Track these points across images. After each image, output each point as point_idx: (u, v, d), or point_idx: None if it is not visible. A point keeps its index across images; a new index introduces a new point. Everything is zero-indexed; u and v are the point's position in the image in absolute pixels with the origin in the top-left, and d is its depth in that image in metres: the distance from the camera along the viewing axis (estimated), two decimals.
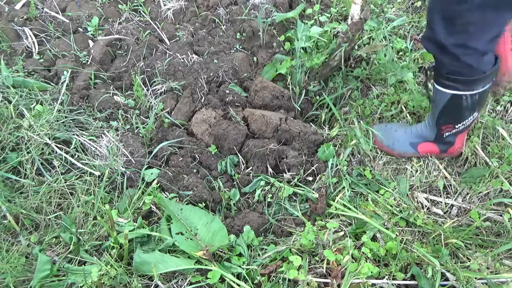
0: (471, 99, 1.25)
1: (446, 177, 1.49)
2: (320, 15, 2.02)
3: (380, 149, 1.56)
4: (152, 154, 1.58)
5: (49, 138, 1.49)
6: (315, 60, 1.76)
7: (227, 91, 1.80)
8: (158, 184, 1.49)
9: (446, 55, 1.16)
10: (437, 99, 1.31)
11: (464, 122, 1.34)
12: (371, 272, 1.15)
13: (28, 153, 1.45)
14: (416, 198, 1.43)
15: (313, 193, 1.46)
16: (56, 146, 1.49)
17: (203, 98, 1.81)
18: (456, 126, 1.36)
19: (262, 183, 1.52)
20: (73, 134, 1.55)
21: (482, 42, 1.10)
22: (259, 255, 1.31)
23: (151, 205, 1.42)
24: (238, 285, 1.17)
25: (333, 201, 1.42)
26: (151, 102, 1.77)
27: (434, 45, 1.17)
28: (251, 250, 1.33)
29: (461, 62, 1.15)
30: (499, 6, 1.01)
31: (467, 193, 1.44)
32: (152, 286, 1.21)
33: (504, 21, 1.09)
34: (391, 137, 1.53)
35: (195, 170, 1.57)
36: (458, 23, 1.07)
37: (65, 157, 1.49)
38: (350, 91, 1.77)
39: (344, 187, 1.45)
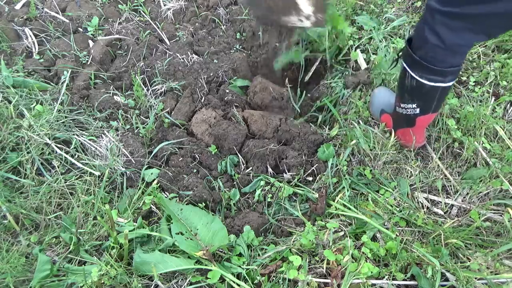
0: (410, 81, 1.26)
1: (446, 177, 1.49)
2: None
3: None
4: (152, 154, 1.58)
5: (49, 138, 1.49)
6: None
7: (227, 91, 1.80)
8: (158, 184, 1.49)
9: (427, 18, 1.12)
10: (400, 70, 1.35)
11: (405, 106, 1.37)
12: (371, 272, 1.15)
13: (28, 153, 1.45)
14: (416, 198, 1.43)
15: (313, 193, 1.46)
16: (56, 146, 1.49)
17: (203, 98, 1.81)
18: (401, 105, 1.39)
19: (262, 183, 1.52)
20: (73, 134, 1.55)
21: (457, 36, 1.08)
22: (259, 255, 1.31)
23: (151, 205, 1.42)
24: (238, 285, 1.17)
25: (333, 201, 1.42)
26: (151, 102, 1.77)
27: (427, 11, 1.14)
28: (251, 250, 1.33)
29: (432, 29, 1.11)
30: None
31: (467, 193, 1.44)
32: (152, 286, 1.21)
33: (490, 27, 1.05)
34: (377, 97, 1.63)
35: (195, 170, 1.57)
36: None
37: (65, 157, 1.49)
38: (350, 91, 1.77)
39: (344, 187, 1.45)
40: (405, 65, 1.27)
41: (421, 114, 1.36)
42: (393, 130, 1.53)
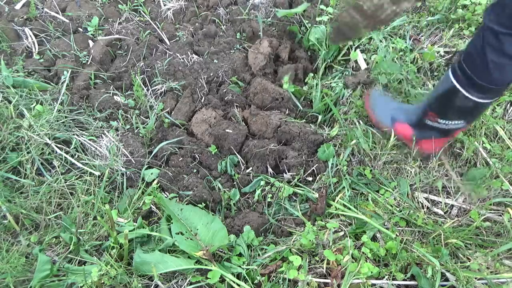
0: (465, 102, 1.22)
1: (447, 177, 1.48)
2: (319, 15, 2.02)
3: (366, 110, 1.58)
4: (152, 154, 1.58)
5: (49, 138, 1.49)
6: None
7: (227, 91, 1.80)
8: (158, 184, 1.49)
9: (478, 36, 1.11)
10: (441, 83, 1.29)
11: (447, 122, 1.32)
12: (371, 272, 1.15)
13: (28, 153, 1.45)
14: (416, 198, 1.43)
15: (313, 193, 1.46)
16: (56, 146, 1.49)
17: (203, 98, 1.81)
18: (439, 120, 1.34)
19: (262, 183, 1.52)
20: (73, 134, 1.55)
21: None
22: (259, 255, 1.31)
23: (151, 205, 1.42)
24: (238, 285, 1.17)
25: (333, 201, 1.42)
26: (151, 102, 1.77)
27: (482, 25, 1.12)
28: (251, 250, 1.33)
29: (483, 50, 1.10)
30: None
31: (470, 193, 1.44)
32: (152, 286, 1.21)
33: None
34: (379, 103, 1.55)
35: (195, 170, 1.57)
36: (506, 12, 1.03)
37: (65, 157, 1.49)
38: (350, 91, 1.77)
39: (344, 187, 1.45)
40: (458, 85, 1.21)
41: (464, 126, 1.33)
42: (412, 137, 1.46)
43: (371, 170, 1.48)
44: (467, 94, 1.20)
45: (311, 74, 1.85)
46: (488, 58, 1.10)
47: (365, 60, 1.85)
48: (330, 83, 1.83)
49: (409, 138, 1.48)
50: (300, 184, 1.51)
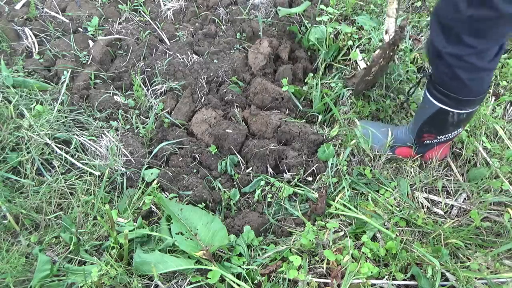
0: (458, 117, 1.23)
1: (448, 177, 1.48)
2: (319, 15, 2.02)
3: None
4: (152, 154, 1.58)
5: (49, 138, 1.49)
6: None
7: (227, 91, 1.80)
8: (158, 184, 1.49)
9: (441, 62, 1.12)
10: (425, 107, 1.29)
11: (447, 135, 1.33)
12: (371, 272, 1.15)
13: (28, 153, 1.45)
14: (416, 198, 1.43)
15: (313, 193, 1.46)
16: (56, 146, 1.49)
17: (203, 98, 1.81)
18: (439, 137, 1.35)
19: (262, 183, 1.52)
20: (73, 134, 1.55)
21: (478, 57, 1.05)
22: (259, 255, 1.31)
23: (151, 205, 1.42)
24: (238, 285, 1.17)
25: (333, 201, 1.42)
26: (151, 102, 1.77)
27: (432, 50, 1.14)
28: (251, 250, 1.33)
29: (454, 74, 1.11)
30: (492, 19, 0.95)
31: (472, 194, 1.44)
32: (152, 286, 1.21)
33: (503, 35, 1.04)
34: (375, 137, 1.53)
35: (195, 170, 1.57)
36: (453, 33, 1.04)
37: (65, 157, 1.49)
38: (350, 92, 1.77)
39: (344, 187, 1.45)
40: (444, 107, 1.22)
41: (462, 129, 1.35)
42: (417, 154, 1.47)
43: (371, 170, 1.48)
44: (457, 111, 1.21)
45: (311, 74, 1.85)
46: (464, 78, 1.10)
47: (364, 60, 1.84)
48: (330, 82, 1.83)
49: (413, 155, 1.49)
50: (300, 184, 1.51)
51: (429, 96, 1.25)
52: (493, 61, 1.09)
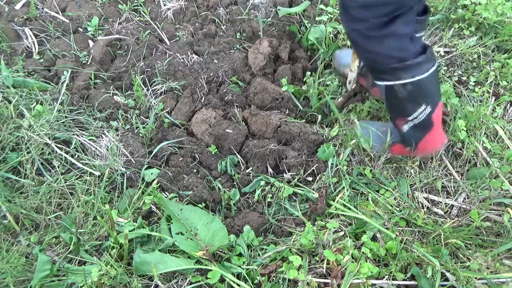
0: (404, 89, 1.23)
1: (447, 177, 1.48)
2: (319, 15, 2.02)
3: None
4: (152, 154, 1.58)
5: (49, 138, 1.49)
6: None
7: (227, 91, 1.80)
8: (158, 184, 1.49)
9: (354, 43, 1.21)
10: (381, 95, 1.33)
11: (414, 115, 1.31)
12: (371, 272, 1.15)
13: (28, 153, 1.45)
14: (416, 198, 1.43)
15: (313, 193, 1.46)
16: (56, 146, 1.49)
17: (203, 98, 1.81)
18: (409, 119, 1.33)
19: (262, 183, 1.52)
20: (73, 134, 1.55)
21: (366, 25, 1.13)
22: (259, 255, 1.31)
23: (151, 205, 1.42)
24: (238, 285, 1.17)
25: (333, 201, 1.42)
26: (151, 102, 1.77)
27: (347, 28, 1.21)
28: (251, 250, 1.33)
29: (363, 48, 1.20)
30: None
31: (470, 192, 1.44)
32: (152, 286, 1.21)
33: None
34: (375, 137, 1.54)
35: (195, 170, 1.57)
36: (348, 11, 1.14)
37: (65, 157, 1.49)
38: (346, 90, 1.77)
39: (344, 187, 1.45)
40: (386, 82, 1.26)
41: (434, 110, 1.30)
42: (412, 149, 1.44)
43: (371, 170, 1.48)
44: (398, 82, 1.23)
45: (309, 73, 1.85)
46: (378, 51, 1.18)
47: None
48: (325, 80, 1.84)
49: (408, 152, 1.47)
50: (300, 184, 1.51)
51: (375, 80, 1.31)
52: (384, 27, 1.13)
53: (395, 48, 1.17)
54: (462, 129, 1.51)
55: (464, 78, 1.78)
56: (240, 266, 1.25)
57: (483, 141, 1.52)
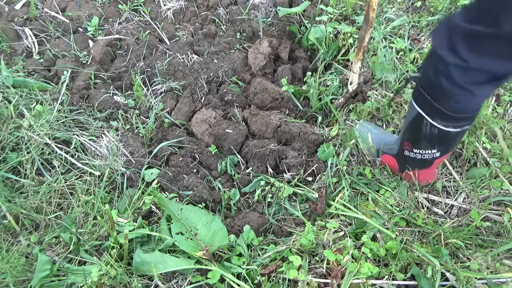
0: (430, 129, 1.16)
1: (447, 177, 1.48)
2: (319, 15, 2.02)
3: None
4: (152, 154, 1.58)
5: (49, 138, 1.49)
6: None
7: (227, 91, 1.80)
8: (158, 184, 1.49)
9: (430, 61, 1.06)
10: (409, 111, 1.24)
11: (420, 151, 1.27)
12: (371, 272, 1.15)
13: (28, 153, 1.45)
14: (416, 198, 1.43)
15: (313, 193, 1.46)
16: (56, 146, 1.49)
17: (203, 98, 1.81)
18: (414, 150, 1.29)
19: (262, 183, 1.52)
20: (73, 134, 1.55)
21: (462, 72, 0.98)
22: (259, 255, 1.31)
23: (151, 205, 1.42)
24: (238, 285, 1.17)
25: (333, 201, 1.42)
26: (151, 102, 1.77)
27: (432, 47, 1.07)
28: (251, 250, 1.33)
29: (437, 79, 1.04)
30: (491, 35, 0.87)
31: (470, 191, 1.44)
32: (152, 286, 1.21)
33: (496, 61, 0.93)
34: (374, 133, 1.51)
35: (195, 170, 1.57)
36: (451, 38, 0.96)
37: (65, 157, 1.49)
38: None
39: (344, 187, 1.45)
40: (422, 112, 1.14)
41: (441, 156, 1.27)
42: (399, 170, 1.42)
43: (371, 170, 1.48)
44: (432, 122, 1.14)
45: (309, 73, 1.85)
46: (444, 86, 1.04)
47: (364, 59, 1.84)
48: (325, 80, 1.84)
49: (396, 169, 1.45)
50: (300, 184, 1.51)
51: (412, 98, 1.20)
52: (475, 87, 1.01)
53: (467, 103, 1.06)
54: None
55: None
56: (240, 266, 1.25)
57: (483, 141, 1.52)
